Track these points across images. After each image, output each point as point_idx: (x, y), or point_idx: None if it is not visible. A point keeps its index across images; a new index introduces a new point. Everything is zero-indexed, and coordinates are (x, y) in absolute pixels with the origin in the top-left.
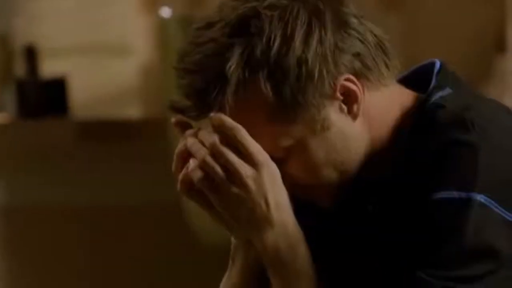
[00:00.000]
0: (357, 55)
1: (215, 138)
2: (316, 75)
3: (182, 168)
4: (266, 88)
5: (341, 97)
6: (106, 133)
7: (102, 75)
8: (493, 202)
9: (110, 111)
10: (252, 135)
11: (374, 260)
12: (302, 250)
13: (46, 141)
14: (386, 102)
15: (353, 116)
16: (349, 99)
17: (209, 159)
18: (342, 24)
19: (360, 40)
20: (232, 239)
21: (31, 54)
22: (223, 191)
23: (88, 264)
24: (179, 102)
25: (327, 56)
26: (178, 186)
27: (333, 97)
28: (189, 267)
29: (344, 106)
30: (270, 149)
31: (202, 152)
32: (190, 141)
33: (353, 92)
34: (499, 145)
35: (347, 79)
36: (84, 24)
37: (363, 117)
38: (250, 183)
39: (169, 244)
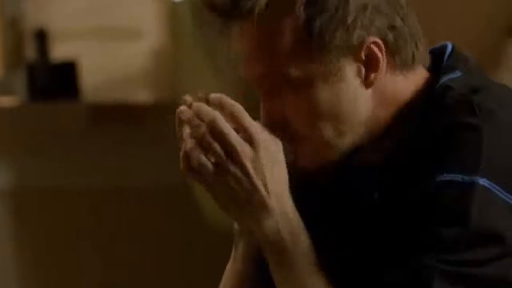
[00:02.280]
0: (392, 28)
1: (216, 114)
2: (349, 21)
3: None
4: (300, 12)
5: (364, 59)
6: (117, 116)
7: (113, 59)
8: (496, 186)
9: (121, 94)
10: (268, 50)
11: (380, 247)
12: (302, 238)
13: (56, 124)
14: (401, 86)
15: (368, 83)
16: (370, 65)
17: (208, 137)
18: None
19: (401, 18)
20: (235, 225)
21: (41, 37)
22: (221, 171)
23: (98, 246)
24: None
25: (366, 10)
26: (181, 164)
27: (356, 55)
28: (199, 250)
29: (362, 70)
30: (278, 73)
31: (202, 129)
32: (188, 117)
33: (376, 58)
34: (505, 129)
35: (375, 43)
36: (95, 7)
37: (375, 91)
38: (248, 163)
39: (180, 226)
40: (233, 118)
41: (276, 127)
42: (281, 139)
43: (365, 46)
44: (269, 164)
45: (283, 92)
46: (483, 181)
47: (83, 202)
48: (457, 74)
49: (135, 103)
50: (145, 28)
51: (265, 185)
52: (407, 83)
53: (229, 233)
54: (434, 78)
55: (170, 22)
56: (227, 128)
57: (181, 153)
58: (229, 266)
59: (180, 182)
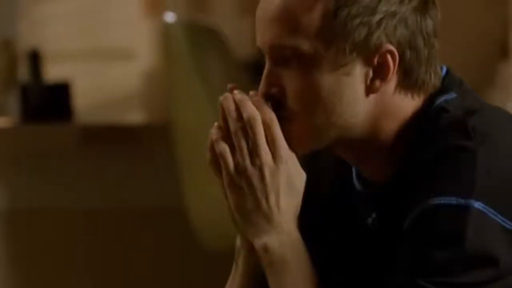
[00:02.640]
0: (412, 46)
1: (256, 115)
2: (374, 22)
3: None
4: None
5: (375, 64)
6: (110, 137)
7: (106, 80)
8: (491, 209)
9: (113, 115)
10: (290, 18)
11: (375, 268)
12: (303, 257)
13: (49, 145)
14: (405, 103)
15: (372, 89)
16: (379, 72)
17: (239, 132)
18: (422, 15)
19: (424, 42)
20: (237, 242)
21: (35, 58)
22: (240, 170)
23: (90, 267)
24: None
25: (393, 18)
26: (207, 155)
27: (369, 58)
28: (191, 271)
29: (370, 74)
30: (292, 44)
31: (237, 125)
32: (228, 105)
33: (387, 68)
34: (499, 151)
35: (391, 53)
36: (88, 28)
37: (378, 100)
38: (267, 172)
39: (171, 247)
40: (265, 125)
41: (271, 97)
42: (274, 112)
43: (380, 51)
44: (287, 183)
45: (290, 65)
46: (478, 204)
47: (75, 223)
48: (452, 95)
49: (128, 124)
50: (137, 49)
51: (277, 199)
52: (410, 102)
53: (223, 254)
54: (429, 98)
55: (163, 43)
56: (261, 133)
57: (208, 141)
58: (229, 283)
59: (171, 202)
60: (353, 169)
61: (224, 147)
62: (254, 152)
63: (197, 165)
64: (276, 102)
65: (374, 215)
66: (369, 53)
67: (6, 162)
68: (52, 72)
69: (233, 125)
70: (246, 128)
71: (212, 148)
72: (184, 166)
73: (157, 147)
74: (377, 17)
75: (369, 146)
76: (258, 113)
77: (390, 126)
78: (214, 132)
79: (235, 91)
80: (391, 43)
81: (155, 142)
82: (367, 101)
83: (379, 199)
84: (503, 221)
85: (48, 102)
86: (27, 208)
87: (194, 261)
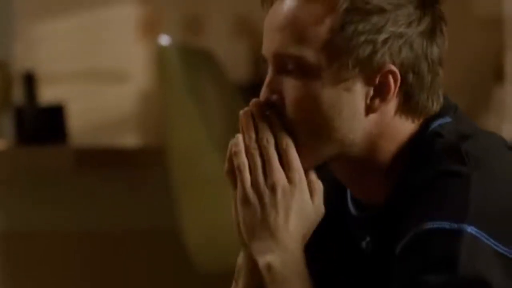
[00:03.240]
0: (416, 71)
1: (272, 139)
2: (380, 40)
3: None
4: (341, 10)
5: (376, 84)
6: (104, 160)
7: (100, 102)
8: (484, 234)
9: (108, 138)
10: (297, 27)
11: None
12: (305, 279)
13: (44, 168)
14: (404, 127)
15: (371, 108)
16: (380, 91)
17: (255, 150)
18: (429, 39)
19: (428, 68)
20: (238, 261)
21: (29, 80)
22: (254, 185)
23: None
24: None
25: (399, 39)
26: (225, 165)
27: (371, 77)
28: None
29: (371, 93)
30: (296, 54)
31: (252, 144)
32: (246, 122)
33: (388, 88)
34: (493, 176)
35: (393, 74)
36: (83, 50)
37: (377, 120)
38: (279, 191)
39: (166, 270)
40: (282, 149)
41: (270, 105)
42: (270, 118)
43: (383, 71)
44: (299, 206)
45: (292, 75)
46: (471, 229)
47: (70, 245)
48: (447, 120)
49: (122, 147)
50: (132, 71)
51: (286, 218)
52: (410, 125)
53: (218, 277)
54: (425, 123)
55: (158, 65)
56: (274, 154)
57: (228, 152)
58: None
59: (167, 225)
60: (348, 193)
61: (244, 162)
62: (268, 170)
63: (192, 187)
64: (276, 110)
65: (368, 238)
66: (371, 71)
67: (1, 184)
68: (47, 94)
69: (248, 144)
70: (264, 147)
71: (231, 160)
72: (179, 188)
73: (152, 170)
74: (382, 36)
75: (365, 165)
76: (271, 136)
77: (388, 148)
78: (234, 144)
79: (256, 102)
80: (394, 64)
81: (150, 164)
82: (366, 120)
83: (373, 222)
84: (495, 245)
85: (43, 124)
86: (22, 230)
87: (189, 283)
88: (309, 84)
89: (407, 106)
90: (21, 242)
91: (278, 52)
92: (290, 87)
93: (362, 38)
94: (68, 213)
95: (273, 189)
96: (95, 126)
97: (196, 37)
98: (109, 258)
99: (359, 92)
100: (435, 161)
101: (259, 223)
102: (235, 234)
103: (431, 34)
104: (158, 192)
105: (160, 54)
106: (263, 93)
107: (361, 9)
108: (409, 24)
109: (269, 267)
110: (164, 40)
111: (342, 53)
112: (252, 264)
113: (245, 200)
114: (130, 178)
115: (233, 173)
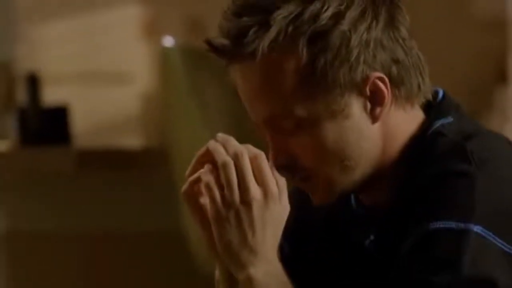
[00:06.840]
0: (396, 61)
1: (243, 150)
2: (353, 58)
3: (195, 171)
4: (303, 52)
5: (369, 94)
6: (107, 161)
7: (104, 103)
8: (490, 233)
9: (111, 139)
10: (272, 92)
11: None
12: (287, 287)
13: (47, 169)
14: (405, 122)
15: (374, 118)
16: (375, 99)
17: (230, 166)
18: (393, 28)
19: (404, 51)
20: (216, 274)
21: (33, 82)
22: (226, 204)
23: None
24: (215, 39)
25: (368, 46)
26: (184, 186)
27: (361, 91)
28: None
29: (368, 105)
30: (283, 113)
31: (226, 158)
32: (213, 145)
33: (381, 93)
34: (498, 175)
35: (380, 78)
36: (86, 51)
37: (381, 126)
38: (255, 207)
39: (170, 272)
40: (253, 161)
41: (285, 168)
42: (291, 179)
43: (369, 81)
44: (274, 217)
45: (290, 131)
46: (477, 228)
47: (72, 247)
48: (449, 119)
49: (125, 148)
50: (135, 73)
51: (264, 233)
52: (408, 119)
53: None
54: (427, 122)
55: (160, 67)
56: (248, 168)
57: (189, 175)
58: None
59: (170, 227)
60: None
61: (211, 179)
62: (242, 187)
63: None
64: (292, 168)
65: (372, 237)
66: (359, 88)
67: (4, 185)
68: (50, 95)
69: (221, 159)
70: (234, 163)
71: (191, 181)
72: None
73: (155, 171)
74: (353, 54)
75: (374, 173)
76: (244, 149)
77: (392, 149)
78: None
79: (218, 134)
80: (375, 69)
81: (153, 166)
82: (373, 131)
83: (377, 221)
84: (502, 244)
85: (46, 126)
86: (24, 231)
87: (191, 284)
88: (310, 132)
89: (400, 96)
90: (24, 243)
91: (266, 117)
92: (294, 142)
93: (336, 66)
94: (71, 214)
95: (249, 205)
96: (98, 128)
97: (199, 39)
98: (112, 259)
99: (357, 112)
100: (440, 160)
101: (238, 243)
102: (205, 250)
103: (393, 22)
104: (160, 193)
105: (163, 56)
106: (274, 159)
107: (320, 38)
108: (369, 27)
109: (251, 280)
110: (167, 41)
111: (325, 91)
112: (231, 278)
113: (220, 219)
114: (133, 179)
115: (192, 195)
